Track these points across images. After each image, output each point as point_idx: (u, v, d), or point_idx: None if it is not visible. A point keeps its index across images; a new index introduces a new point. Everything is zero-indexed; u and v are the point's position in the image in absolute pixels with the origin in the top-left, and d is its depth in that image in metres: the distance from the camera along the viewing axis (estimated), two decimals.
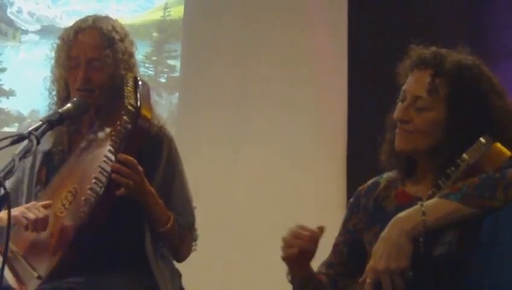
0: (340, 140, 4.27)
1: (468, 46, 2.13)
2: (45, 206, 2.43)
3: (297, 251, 1.99)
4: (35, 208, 2.40)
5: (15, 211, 2.38)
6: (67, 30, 2.56)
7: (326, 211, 3.99)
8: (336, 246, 2.21)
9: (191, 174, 2.63)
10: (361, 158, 3.83)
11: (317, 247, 2.02)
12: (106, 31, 2.51)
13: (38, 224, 2.38)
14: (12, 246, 2.41)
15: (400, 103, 2.09)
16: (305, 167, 4.23)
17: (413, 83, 2.07)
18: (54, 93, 2.59)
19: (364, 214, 2.16)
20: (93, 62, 2.49)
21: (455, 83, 2.03)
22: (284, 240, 2.01)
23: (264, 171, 4.24)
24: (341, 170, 4.24)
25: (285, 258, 2.03)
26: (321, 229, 2.00)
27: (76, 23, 2.57)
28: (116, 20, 2.62)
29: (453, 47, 2.12)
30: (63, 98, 2.54)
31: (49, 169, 2.59)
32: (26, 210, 2.40)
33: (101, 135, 2.50)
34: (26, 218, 2.37)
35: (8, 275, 2.39)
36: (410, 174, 2.12)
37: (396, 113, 2.08)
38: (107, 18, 2.58)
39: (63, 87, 2.56)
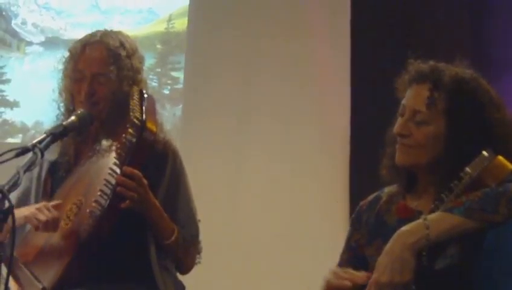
0: (343, 149, 4.28)
1: (470, 57, 2.13)
2: (56, 207, 2.42)
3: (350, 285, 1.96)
4: (46, 209, 2.40)
5: (26, 211, 2.40)
6: (76, 43, 2.58)
7: (328, 221, 4.00)
8: (341, 265, 2.19)
9: (195, 185, 2.64)
10: (363, 167, 3.83)
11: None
12: (113, 47, 2.52)
13: (49, 225, 2.38)
14: (17, 256, 2.42)
15: (399, 117, 2.09)
16: (307, 177, 4.24)
17: (412, 97, 2.08)
18: (61, 104, 2.60)
19: (366, 230, 2.16)
20: (98, 77, 2.51)
21: (453, 97, 2.03)
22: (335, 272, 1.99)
23: (267, 181, 4.25)
24: (343, 180, 4.24)
25: (331, 286, 1.99)
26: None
27: (85, 36, 2.59)
28: (127, 35, 2.62)
29: (455, 59, 2.12)
30: (69, 110, 2.56)
31: (54, 180, 2.60)
32: (37, 211, 2.39)
33: (106, 147, 2.52)
34: (37, 219, 2.38)
35: (12, 285, 2.39)
36: (411, 189, 2.13)
37: (396, 128, 2.08)
38: (116, 33, 2.59)
39: (69, 99, 2.57)
